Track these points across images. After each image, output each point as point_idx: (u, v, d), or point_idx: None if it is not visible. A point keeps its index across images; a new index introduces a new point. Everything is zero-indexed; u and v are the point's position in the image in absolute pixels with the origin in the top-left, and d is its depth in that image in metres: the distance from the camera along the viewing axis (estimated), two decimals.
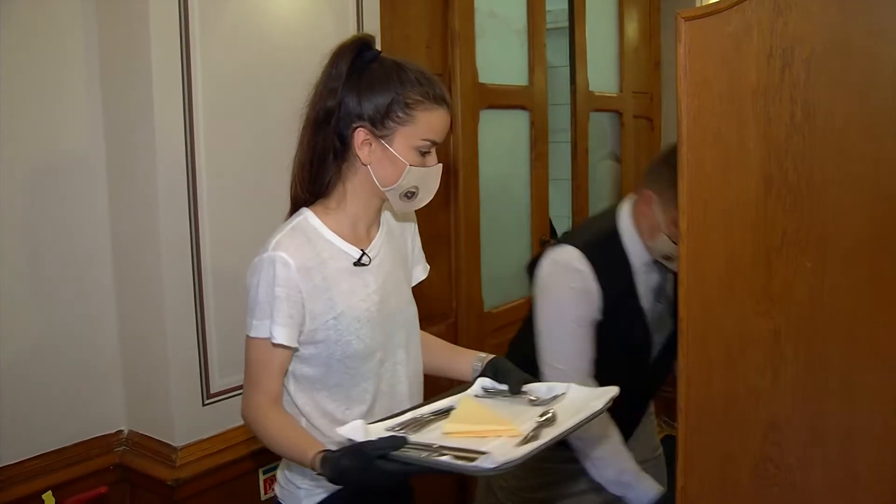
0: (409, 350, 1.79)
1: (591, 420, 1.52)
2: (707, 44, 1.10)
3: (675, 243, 1.67)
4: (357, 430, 1.44)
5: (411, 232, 1.87)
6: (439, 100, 1.62)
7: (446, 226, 2.97)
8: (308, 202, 1.70)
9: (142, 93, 2.03)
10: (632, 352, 1.94)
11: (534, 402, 1.60)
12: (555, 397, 1.59)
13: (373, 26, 2.39)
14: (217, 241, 2.13)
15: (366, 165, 1.63)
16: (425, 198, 1.71)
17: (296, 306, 1.62)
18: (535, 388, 1.64)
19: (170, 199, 2.05)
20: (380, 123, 1.60)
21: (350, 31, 2.31)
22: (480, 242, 3.06)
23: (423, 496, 2.49)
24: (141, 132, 2.07)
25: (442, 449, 1.39)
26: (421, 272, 1.90)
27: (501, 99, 3.11)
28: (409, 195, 1.67)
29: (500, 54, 3.13)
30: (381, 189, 1.65)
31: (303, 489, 1.65)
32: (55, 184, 2.08)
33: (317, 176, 1.67)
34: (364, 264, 1.69)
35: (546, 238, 3.34)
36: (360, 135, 1.61)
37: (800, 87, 1.05)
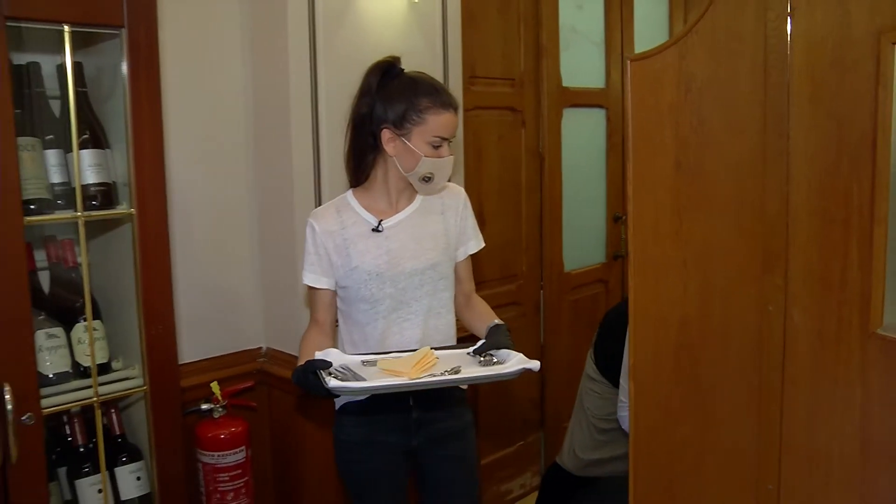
0: (431, 304, 2.07)
1: (488, 380, 1.90)
2: (643, 76, 1.69)
3: None
4: (326, 354, 1.86)
5: (457, 212, 2.15)
6: (446, 105, 1.96)
7: (535, 202, 3.55)
8: (354, 184, 2.10)
9: (281, 95, 2.56)
10: None
11: (482, 363, 1.91)
12: (495, 361, 1.92)
13: (455, 43, 2.87)
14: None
15: (392, 157, 1.99)
16: (440, 182, 2.03)
17: (323, 259, 2.02)
18: (497, 353, 1.93)
19: (300, 171, 2.56)
20: (400, 125, 1.95)
21: (437, 49, 2.82)
22: (562, 216, 3.63)
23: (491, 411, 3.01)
24: (279, 124, 2.58)
25: (356, 375, 1.79)
26: (473, 246, 2.19)
27: (582, 99, 3.67)
28: (426, 179, 1.99)
29: (581, 62, 3.67)
30: (405, 174, 2.00)
31: None
32: (216, 159, 2.64)
33: (358, 165, 2.06)
34: (379, 231, 2.03)
35: (620, 215, 3.92)
36: (386, 134, 1.97)
37: (695, 104, 1.62)
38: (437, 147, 1.97)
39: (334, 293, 2.07)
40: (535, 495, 3.67)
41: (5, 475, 1.79)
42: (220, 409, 2.56)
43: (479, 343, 1.97)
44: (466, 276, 2.20)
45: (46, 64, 2.03)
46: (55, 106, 2.05)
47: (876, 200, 1.38)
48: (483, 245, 2.20)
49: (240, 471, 2.55)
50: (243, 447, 2.55)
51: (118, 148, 2.01)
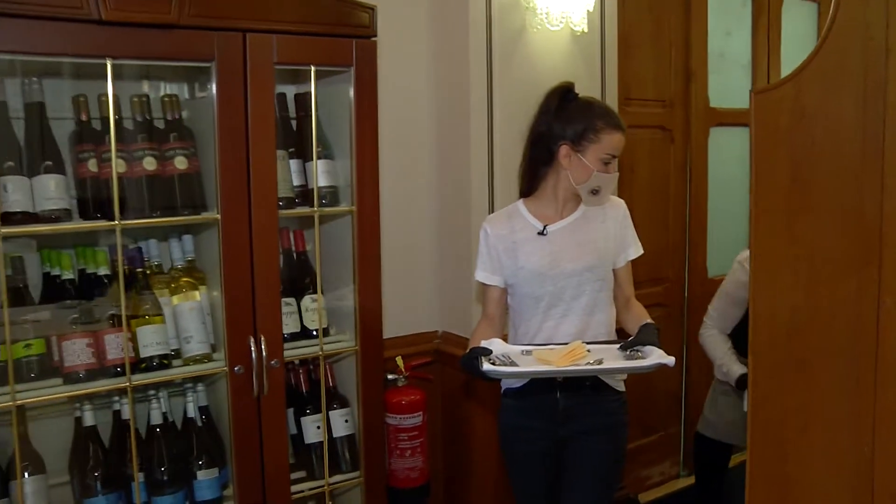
0: (588, 302, 2.19)
1: (626, 372, 2.08)
2: (764, 105, 2.03)
3: None
4: (490, 343, 2.06)
5: (617, 222, 2.27)
6: (618, 127, 2.14)
7: (682, 213, 3.86)
8: (526, 194, 2.28)
9: (462, 116, 2.94)
10: None
11: (627, 357, 2.04)
12: (640, 356, 2.05)
13: (612, 68, 3.19)
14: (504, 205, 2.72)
15: (566, 170, 2.15)
16: (605, 195, 2.19)
17: (494, 259, 2.21)
18: (642, 349, 2.06)
19: (477, 180, 2.95)
20: (577, 142, 2.13)
21: (596, 73, 3.14)
22: (707, 227, 3.91)
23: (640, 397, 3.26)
24: (460, 140, 2.96)
25: (512, 362, 1.99)
26: (633, 253, 2.30)
27: (728, 118, 3.95)
28: (594, 192, 2.16)
29: (729, 84, 3.95)
30: (575, 186, 2.16)
31: None
32: (406, 169, 3.06)
33: (532, 176, 2.24)
34: (544, 234, 2.19)
35: None
36: (564, 150, 2.14)
37: (807, 128, 1.93)
38: (606, 163, 2.14)
39: (503, 290, 2.24)
40: (672, 483, 3.98)
41: (259, 405, 2.37)
42: (403, 380, 2.97)
43: (629, 339, 2.11)
44: (626, 280, 2.31)
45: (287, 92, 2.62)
46: (293, 125, 2.63)
47: None
48: (642, 252, 2.31)
49: (417, 432, 2.96)
50: (420, 412, 2.96)
51: (339, 157, 2.56)
